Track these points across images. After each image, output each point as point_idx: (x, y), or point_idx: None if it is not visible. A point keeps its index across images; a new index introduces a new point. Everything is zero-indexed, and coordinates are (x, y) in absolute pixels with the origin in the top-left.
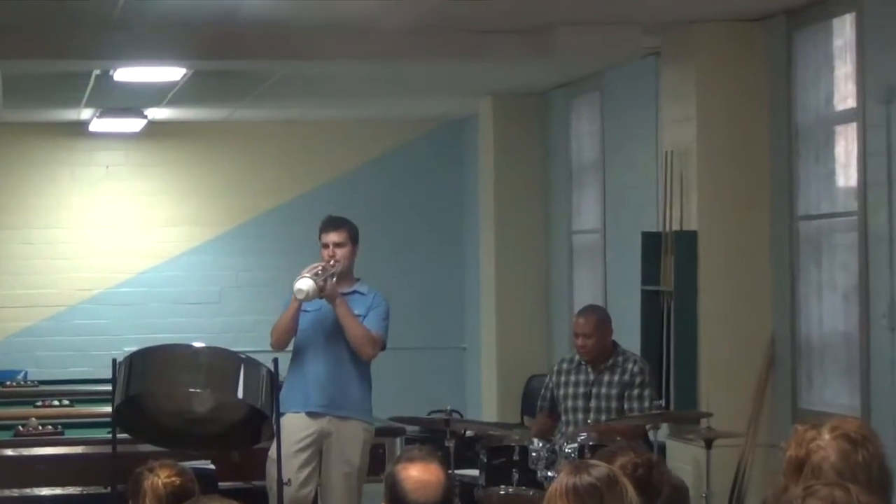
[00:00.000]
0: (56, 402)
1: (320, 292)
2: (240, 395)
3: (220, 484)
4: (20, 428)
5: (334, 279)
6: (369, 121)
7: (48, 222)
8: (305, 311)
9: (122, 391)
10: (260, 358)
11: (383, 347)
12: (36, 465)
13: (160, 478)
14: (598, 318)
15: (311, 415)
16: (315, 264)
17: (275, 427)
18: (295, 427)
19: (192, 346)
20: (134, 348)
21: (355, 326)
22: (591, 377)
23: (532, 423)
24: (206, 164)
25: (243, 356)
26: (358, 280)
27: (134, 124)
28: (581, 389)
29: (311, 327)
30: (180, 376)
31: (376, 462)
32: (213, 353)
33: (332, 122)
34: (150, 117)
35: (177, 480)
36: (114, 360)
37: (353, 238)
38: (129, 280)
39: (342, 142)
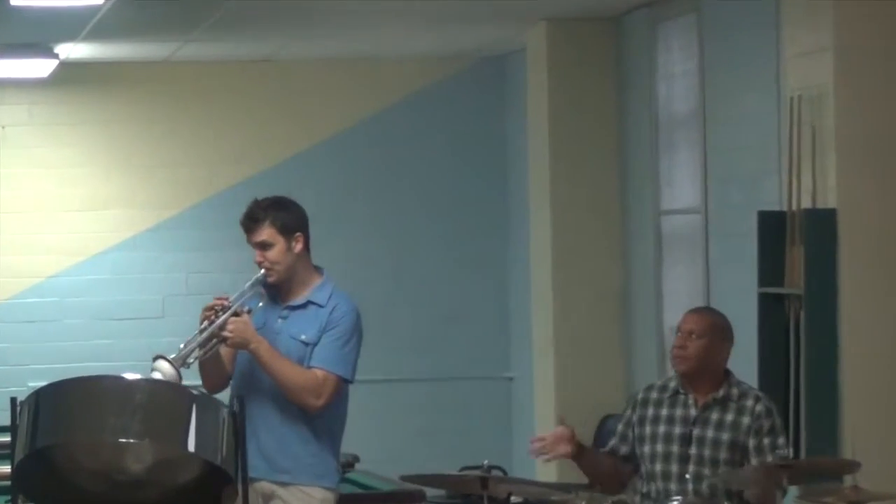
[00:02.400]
0: None
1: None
2: (190, 447)
3: None
4: None
5: (249, 312)
6: (378, 59)
7: None
8: (258, 328)
9: (26, 443)
10: (219, 395)
11: (347, 382)
12: None
13: None
14: (716, 322)
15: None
16: (218, 301)
17: (240, 490)
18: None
19: (123, 379)
20: (42, 382)
21: (285, 373)
22: (694, 413)
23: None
24: (143, 122)
25: (196, 392)
26: (318, 278)
27: (40, 67)
28: (677, 430)
29: (246, 365)
30: (107, 421)
31: None
32: (154, 388)
33: (324, 61)
34: (62, 57)
35: None
36: (13, 400)
37: (287, 228)
38: (35, 287)
39: (337, 89)
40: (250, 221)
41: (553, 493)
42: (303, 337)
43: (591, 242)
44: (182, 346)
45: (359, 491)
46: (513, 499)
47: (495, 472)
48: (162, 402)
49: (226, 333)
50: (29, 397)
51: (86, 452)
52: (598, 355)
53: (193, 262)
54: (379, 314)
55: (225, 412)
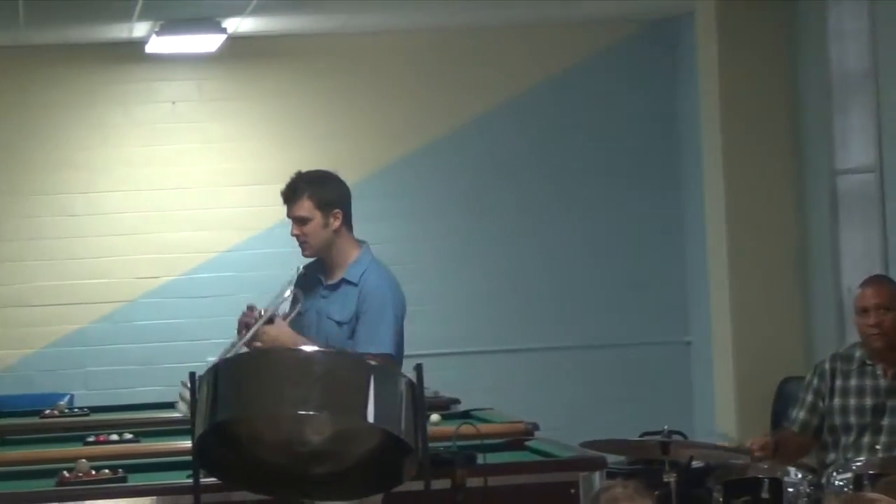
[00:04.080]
0: (115, 437)
1: None
2: (370, 418)
3: None
4: (66, 474)
5: (285, 318)
6: (546, 26)
7: (96, 184)
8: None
9: (206, 418)
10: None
11: (393, 358)
12: None
13: None
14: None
15: None
16: (249, 315)
17: (421, 459)
18: None
19: (301, 352)
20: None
21: None
22: (884, 383)
23: (759, 439)
24: (312, 96)
25: (373, 363)
26: (357, 252)
27: (208, 42)
28: (868, 401)
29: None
30: (286, 394)
31: None
32: (332, 359)
33: (492, 29)
34: (230, 31)
35: None
36: (192, 374)
37: (325, 203)
38: (209, 262)
39: (506, 57)
40: (290, 194)
41: (734, 457)
42: (336, 317)
43: (766, 205)
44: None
45: (538, 458)
46: (694, 463)
47: (676, 437)
48: (340, 373)
49: (258, 344)
50: (208, 372)
51: (265, 425)
52: (776, 318)
53: (366, 234)
54: (557, 283)
55: (404, 382)
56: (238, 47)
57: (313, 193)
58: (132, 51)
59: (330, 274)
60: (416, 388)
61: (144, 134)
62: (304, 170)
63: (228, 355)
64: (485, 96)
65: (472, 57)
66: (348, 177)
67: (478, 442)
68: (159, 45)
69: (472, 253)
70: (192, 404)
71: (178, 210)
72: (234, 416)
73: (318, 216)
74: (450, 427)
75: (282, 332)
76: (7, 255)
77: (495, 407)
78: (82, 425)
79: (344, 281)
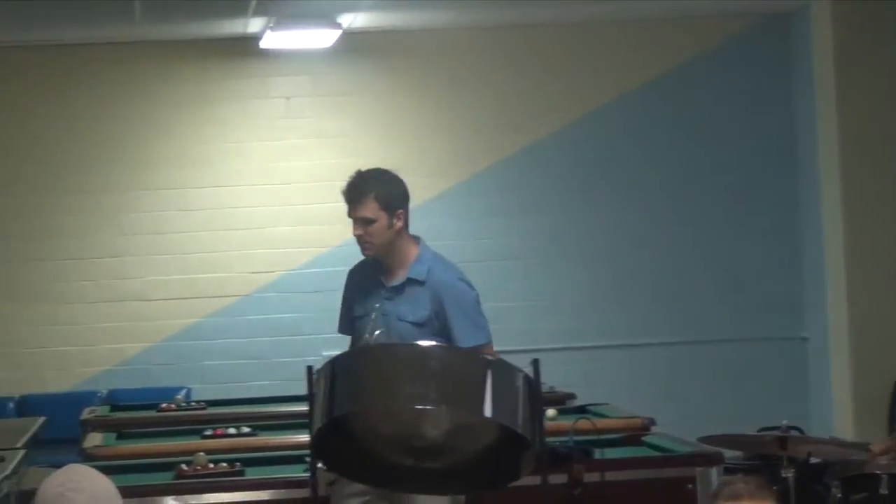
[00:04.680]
0: (232, 430)
1: None
2: (487, 412)
3: None
4: (184, 467)
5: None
6: (660, 21)
7: (211, 179)
8: (357, 316)
9: (324, 412)
10: (514, 360)
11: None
12: None
13: None
14: None
15: None
16: None
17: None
18: (350, 486)
19: (418, 346)
20: (335, 351)
21: None
22: None
23: (880, 444)
24: (425, 91)
25: (490, 358)
26: (415, 251)
27: (322, 37)
28: None
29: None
30: (403, 389)
31: (683, 500)
32: (449, 354)
33: (604, 23)
34: (344, 26)
35: None
36: (309, 369)
37: (390, 204)
38: (324, 256)
39: (618, 52)
40: (355, 194)
41: (852, 453)
42: (411, 318)
43: (884, 197)
44: None
45: (655, 453)
46: (812, 459)
47: (793, 433)
48: (457, 368)
49: None
50: (325, 366)
51: (383, 420)
52: (893, 314)
53: (479, 230)
54: (675, 278)
55: (521, 377)
56: (352, 42)
57: (379, 194)
58: (247, 46)
59: (390, 274)
60: (533, 382)
61: (259, 129)
62: (363, 168)
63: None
64: (594, 92)
65: (582, 53)
66: (459, 173)
67: (594, 437)
68: (274, 40)
69: (585, 248)
70: (310, 398)
71: (292, 205)
72: (352, 411)
73: (382, 217)
74: (566, 422)
75: None
76: (125, 249)
77: (611, 402)
78: (199, 419)
79: (410, 280)
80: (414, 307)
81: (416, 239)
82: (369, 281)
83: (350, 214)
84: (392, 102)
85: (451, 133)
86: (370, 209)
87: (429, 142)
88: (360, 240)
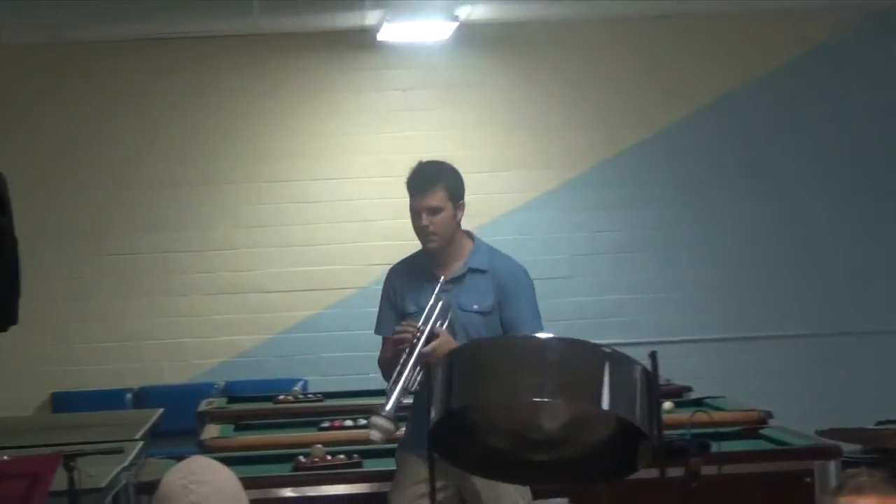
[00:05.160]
0: (349, 422)
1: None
2: (605, 404)
3: None
4: (301, 459)
5: (437, 329)
6: (777, 12)
7: (328, 171)
8: (409, 313)
9: (441, 404)
10: (632, 352)
11: None
12: None
13: None
14: None
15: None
16: (399, 335)
17: (656, 446)
18: (413, 476)
19: (535, 339)
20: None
21: None
22: None
23: None
24: (543, 83)
25: (608, 350)
26: (470, 243)
27: (439, 29)
28: None
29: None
30: (521, 381)
31: (801, 494)
32: (566, 347)
33: (722, 15)
34: (461, 18)
35: None
36: (427, 363)
37: (454, 194)
38: None
39: (739, 43)
40: (425, 183)
41: None
42: (475, 307)
43: None
44: (387, 388)
45: (773, 447)
46: None
47: None
48: (575, 360)
49: (431, 361)
50: (443, 358)
51: (500, 412)
52: None
53: (599, 222)
54: (792, 271)
55: (639, 369)
56: (469, 35)
57: (447, 184)
58: (364, 39)
59: (444, 267)
60: (650, 375)
61: (375, 121)
62: (425, 159)
63: (398, 384)
64: (714, 84)
65: (706, 43)
66: (578, 165)
67: (712, 430)
68: (391, 32)
69: (704, 240)
70: (428, 389)
71: (406, 198)
72: (470, 403)
73: (449, 207)
74: (683, 415)
75: (452, 345)
76: (243, 242)
77: (727, 395)
78: (316, 411)
79: (471, 270)
80: (478, 296)
81: (469, 232)
82: (418, 277)
83: (416, 204)
84: (509, 95)
85: (569, 125)
86: (439, 198)
87: (546, 134)
88: (425, 231)
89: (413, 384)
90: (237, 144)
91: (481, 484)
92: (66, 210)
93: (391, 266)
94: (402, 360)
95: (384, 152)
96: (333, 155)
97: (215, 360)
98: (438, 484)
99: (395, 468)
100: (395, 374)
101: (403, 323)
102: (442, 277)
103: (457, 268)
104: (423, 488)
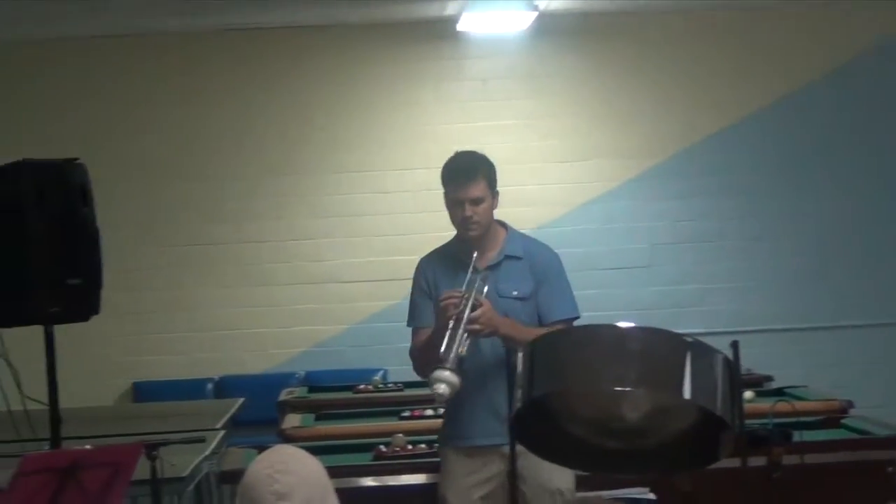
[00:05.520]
0: (430, 412)
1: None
2: (686, 394)
3: None
4: (382, 448)
5: (479, 298)
6: (850, 4)
7: (406, 161)
8: None
9: (524, 393)
10: (714, 341)
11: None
12: (406, 500)
13: None
14: None
15: (482, 449)
16: (447, 300)
17: (738, 435)
18: (462, 468)
19: (617, 328)
20: None
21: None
22: None
23: None
24: (621, 73)
25: (690, 339)
26: (503, 231)
27: (519, 19)
28: None
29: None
30: (603, 371)
31: (882, 483)
32: (648, 336)
33: (805, 5)
34: (541, 8)
35: None
36: (507, 352)
37: (492, 184)
38: None
39: (815, 33)
40: (467, 174)
41: None
42: (514, 293)
43: None
44: (443, 350)
45: (855, 436)
46: None
47: None
48: (657, 349)
49: (477, 326)
50: (525, 347)
51: (581, 401)
52: None
53: (679, 210)
54: (872, 259)
55: (720, 359)
56: (548, 24)
57: (486, 174)
58: (443, 28)
59: (480, 255)
60: (732, 364)
61: (453, 111)
62: (461, 149)
63: (453, 345)
64: (800, 72)
65: (787, 33)
66: (659, 154)
67: (793, 419)
68: (470, 22)
69: (785, 229)
70: (510, 379)
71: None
72: (551, 392)
73: (488, 197)
74: (764, 404)
75: (493, 315)
76: (321, 231)
77: (808, 384)
78: (397, 400)
79: (507, 257)
80: (516, 282)
81: (502, 221)
82: (453, 266)
83: (459, 195)
84: (589, 84)
85: (649, 115)
86: (480, 188)
87: (626, 124)
88: (468, 221)
89: (463, 350)
90: (316, 134)
91: (528, 472)
92: (145, 201)
93: (421, 258)
94: (449, 329)
95: (463, 142)
96: (412, 145)
97: (295, 350)
98: (487, 475)
99: None
100: (444, 343)
101: (447, 292)
102: (475, 254)
103: (492, 256)
104: (475, 479)
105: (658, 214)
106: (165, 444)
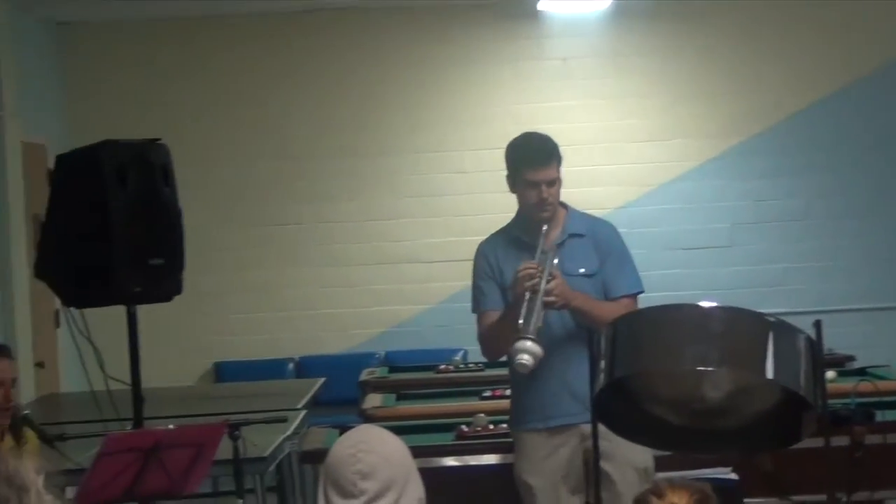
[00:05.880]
0: (510, 392)
1: None
2: (769, 373)
3: (746, 501)
4: (464, 428)
5: (553, 270)
6: None
7: (484, 141)
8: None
9: (605, 373)
10: (797, 321)
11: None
12: (488, 480)
13: None
14: None
15: (560, 429)
16: (525, 270)
17: (821, 415)
18: (541, 450)
19: (699, 308)
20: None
21: (604, 314)
22: None
23: None
24: (703, 53)
25: (772, 319)
26: (563, 210)
27: (598, 1)
28: None
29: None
30: (685, 350)
31: None
32: (730, 316)
33: None
34: None
35: None
36: (590, 332)
37: (560, 165)
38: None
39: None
40: (545, 156)
41: None
42: (581, 270)
43: None
44: (521, 322)
45: None
46: None
47: None
48: (739, 329)
49: (551, 298)
50: (607, 327)
51: (663, 381)
52: None
53: (762, 190)
54: None
55: (803, 338)
56: (629, 4)
57: (558, 155)
58: (523, 8)
59: (545, 234)
60: (815, 344)
61: (532, 91)
62: (534, 130)
63: (531, 316)
64: (883, 50)
65: (871, 10)
66: (742, 133)
67: (876, 399)
68: (551, 2)
69: (869, 208)
70: (592, 360)
71: (567, 167)
72: (633, 372)
73: (560, 179)
74: (846, 384)
75: (567, 287)
76: (402, 211)
77: (892, 364)
78: (477, 380)
79: (571, 235)
80: (582, 260)
81: (561, 201)
82: (516, 248)
83: (537, 177)
84: (670, 63)
85: (732, 93)
86: (555, 170)
87: (708, 102)
88: (544, 203)
89: (540, 322)
90: (396, 115)
91: (612, 450)
92: (226, 181)
93: (480, 242)
94: (526, 300)
95: (543, 122)
96: (491, 124)
97: (375, 330)
98: (566, 455)
99: None
100: (522, 315)
101: (524, 263)
102: (545, 227)
103: (556, 235)
104: (555, 460)
105: (740, 194)
106: (247, 423)
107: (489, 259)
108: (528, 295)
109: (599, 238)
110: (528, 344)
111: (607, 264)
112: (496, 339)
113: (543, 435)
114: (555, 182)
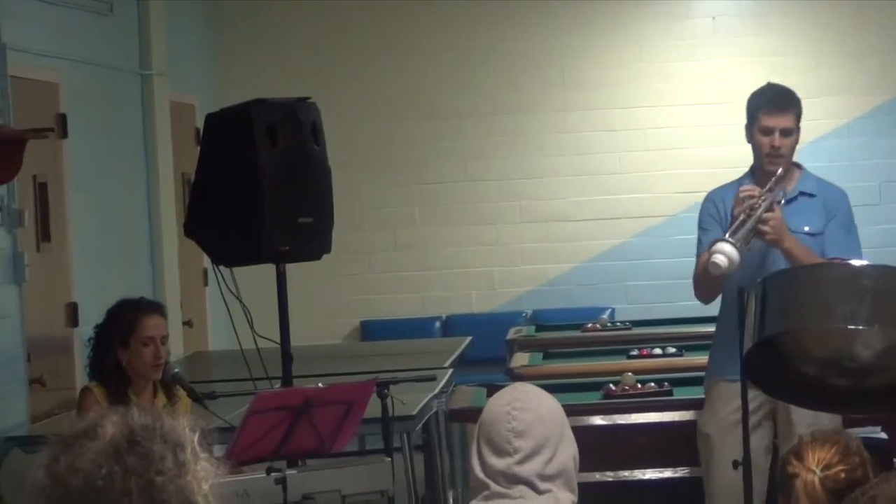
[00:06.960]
0: (658, 351)
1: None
2: None
3: None
4: (611, 387)
5: (775, 205)
6: None
7: (633, 99)
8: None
9: (755, 332)
10: None
11: None
12: (635, 439)
13: (815, 474)
14: None
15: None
16: (747, 191)
17: None
18: (726, 402)
19: (849, 266)
20: None
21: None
22: None
23: None
24: (854, 8)
25: None
26: (799, 170)
27: None
28: None
29: (753, 261)
30: (835, 309)
31: None
32: (881, 273)
33: None
34: None
35: (840, 473)
36: (740, 290)
37: (799, 120)
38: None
39: None
40: (784, 103)
41: None
42: (806, 228)
43: None
44: (730, 233)
45: None
46: None
47: None
48: (890, 286)
49: (765, 228)
50: (756, 286)
51: (815, 340)
52: None
53: None
54: None
55: None
56: None
57: (798, 107)
58: None
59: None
60: None
61: (682, 49)
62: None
63: (740, 232)
64: None
65: None
66: (890, 91)
67: None
68: None
69: None
70: (740, 318)
71: (716, 125)
72: (783, 331)
73: (796, 131)
74: None
75: (783, 224)
76: (549, 170)
77: None
78: (625, 339)
79: (802, 194)
80: (808, 219)
81: (797, 162)
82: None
83: (772, 123)
84: (818, 20)
85: (879, 50)
86: (791, 120)
87: (856, 59)
88: (775, 151)
89: (748, 244)
90: (544, 73)
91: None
92: (374, 140)
93: (708, 192)
94: (739, 220)
95: (691, 80)
96: (639, 83)
97: (522, 289)
98: (753, 405)
99: (703, 396)
100: (732, 228)
101: (747, 185)
102: (780, 170)
103: (787, 191)
104: (737, 413)
105: (888, 151)
106: (396, 382)
107: (717, 204)
108: (742, 216)
109: (829, 201)
110: (728, 247)
111: (831, 226)
112: (709, 279)
113: (730, 388)
114: (791, 133)
